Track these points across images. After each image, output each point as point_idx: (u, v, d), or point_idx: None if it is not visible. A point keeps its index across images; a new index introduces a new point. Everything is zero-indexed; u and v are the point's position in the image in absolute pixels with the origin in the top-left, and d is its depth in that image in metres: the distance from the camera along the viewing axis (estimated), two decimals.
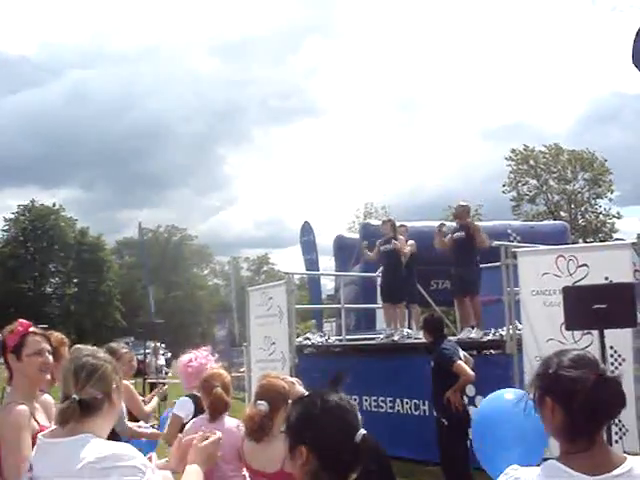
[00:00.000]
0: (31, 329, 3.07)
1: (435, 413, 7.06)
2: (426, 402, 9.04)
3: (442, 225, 10.15)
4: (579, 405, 1.73)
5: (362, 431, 1.76)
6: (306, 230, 18.84)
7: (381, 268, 10.92)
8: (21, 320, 3.15)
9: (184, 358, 5.07)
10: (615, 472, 1.72)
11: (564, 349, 1.90)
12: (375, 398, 9.96)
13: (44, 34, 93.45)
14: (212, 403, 3.94)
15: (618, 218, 42.17)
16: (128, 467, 2.03)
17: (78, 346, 2.44)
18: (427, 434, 8.69)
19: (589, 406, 1.72)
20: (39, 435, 2.26)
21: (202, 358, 4.99)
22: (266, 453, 3.46)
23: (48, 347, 3.04)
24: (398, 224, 10.98)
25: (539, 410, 1.84)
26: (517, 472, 1.84)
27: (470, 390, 8.59)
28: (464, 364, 6.71)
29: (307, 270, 18.34)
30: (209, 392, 3.97)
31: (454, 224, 10.10)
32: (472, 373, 6.70)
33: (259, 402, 3.51)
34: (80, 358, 2.28)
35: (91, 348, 2.40)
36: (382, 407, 9.83)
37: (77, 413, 2.14)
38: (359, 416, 1.82)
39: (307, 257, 18.28)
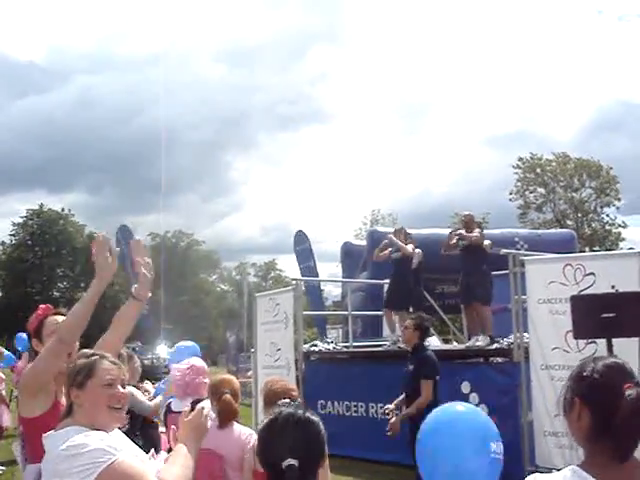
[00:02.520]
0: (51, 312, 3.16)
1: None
2: (432, 409, 9.01)
3: (453, 232, 10.15)
4: (609, 413, 1.72)
5: None
6: (300, 239, 18.93)
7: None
8: (42, 305, 3.25)
9: (180, 366, 4.90)
10: None
11: (601, 356, 1.90)
12: (382, 405, 9.94)
13: (52, 40, 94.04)
14: (221, 410, 3.92)
15: (624, 227, 42.11)
16: (97, 449, 2.16)
17: (83, 351, 2.55)
18: None
19: (620, 417, 1.70)
20: (44, 434, 2.39)
21: (193, 374, 4.79)
22: None
23: None
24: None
25: (567, 414, 1.83)
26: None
27: (474, 399, 8.57)
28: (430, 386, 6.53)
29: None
30: (218, 398, 3.95)
31: (462, 231, 10.11)
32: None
33: (284, 401, 3.48)
34: (73, 362, 2.46)
35: (88, 351, 2.52)
36: (388, 414, 9.80)
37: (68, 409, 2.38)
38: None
39: (303, 265, 18.32)
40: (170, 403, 4.89)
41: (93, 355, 2.46)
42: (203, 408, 2.57)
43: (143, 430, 5.20)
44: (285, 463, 1.85)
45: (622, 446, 1.73)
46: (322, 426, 2.03)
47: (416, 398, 6.54)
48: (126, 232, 24.08)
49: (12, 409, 13.16)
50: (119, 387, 2.42)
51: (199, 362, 4.90)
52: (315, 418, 2.02)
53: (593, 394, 1.76)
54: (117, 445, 2.23)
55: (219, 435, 3.88)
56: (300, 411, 2.01)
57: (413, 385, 6.66)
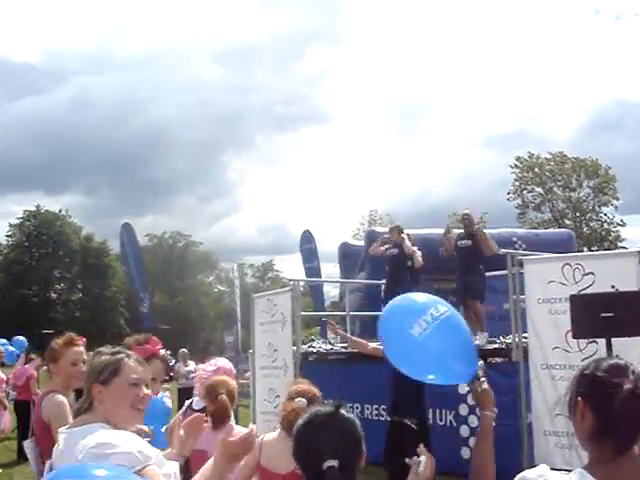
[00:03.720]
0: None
1: (392, 416, 6.83)
2: (430, 410, 9.01)
3: (448, 230, 10.14)
4: (609, 409, 1.72)
5: None
6: (307, 239, 18.88)
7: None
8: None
9: (207, 367, 4.80)
10: None
11: (605, 357, 1.89)
12: (377, 407, 9.93)
13: (48, 41, 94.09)
14: (215, 410, 3.90)
15: (622, 226, 42.13)
16: (124, 453, 2.07)
17: (104, 348, 2.51)
18: (432, 442, 8.67)
19: (619, 412, 1.70)
20: (61, 429, 2.38)
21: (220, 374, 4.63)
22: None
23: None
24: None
25: (572, 414, 1.82)
26: (547, 475, 1.82)
27: (472, 399, 8.55)
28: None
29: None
30: (214, 399, 3.93)
31: (461, 230, 10.10)
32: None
33: (299, 399, 3.49)
34: (91, 359, 2.48)
35: (110, 349, 2.49)
36: (383, 415, 9.78)
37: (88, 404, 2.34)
38: None
39: (308, 265, 18.28)
40: (192, 402, 4.87)
41: (119, 352, 2.42)
42: (252, 430, 2.50)
43: None
44: (326, 464, 1.78)
45: (623, 442, 1.72)
46: (358, 423, 1.96)
47: (408, 395, 6.51)
48: (130, 230, 24.00)
49: (10, 410, 13.12)
50: (143, 387, 2.38)
51: (227, 364, 4.83)
52: (351, 416, 1.96)
53: (594, 393, 1.76)
54: (145, 451, 2.15)
55: (213, 436, 3.84)
56: (336, 409, 1.94)
57: (400, 381, 6.65)
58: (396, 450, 6.47)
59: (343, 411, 1.94)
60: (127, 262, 17.22)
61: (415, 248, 10.50)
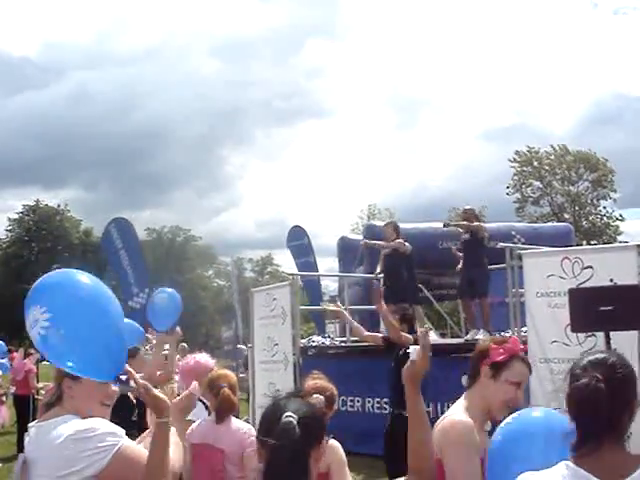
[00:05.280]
0: None
1: (392, 408, 6.91)
2: (430, 403, 9.03)
3: (447, 224, 10.13)
4: (572, 404, 1.78)
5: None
6: (297, 234, 18.85)
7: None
8: None
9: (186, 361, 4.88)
10: (633, 476, 1.68)
11: (594, 350, 1.94)
12: (379, 400, 9.95)
13: (46, 35, 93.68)
14: (219, 404, 3.88)
15: (621, 220, 42.13)
16: (105, 433, 2.19)
17: None
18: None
19: (580, 405, 1.75)
20: (30, 424, 2.42)
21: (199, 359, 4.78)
22: None
23: None
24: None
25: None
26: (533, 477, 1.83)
27: None
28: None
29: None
30: (216, 393, 3.91)
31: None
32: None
33: (316, 395, 3.19)
34: None
35: None
36: (385, 408, 9.80)
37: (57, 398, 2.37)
38: None
39: (300, 261, 18.24)
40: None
41: None
42: (190, 393, 2.73)
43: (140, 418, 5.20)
44: (283, 418, 1.70)
45: (584, 435, 1.75)
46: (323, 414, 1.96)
47: (403, 395, 6.51)
48: (124, 225, 23.90)
49: (9, 405, 13.15)
50: (111, 384, 2.41)
51: (207, 359, 4.81)
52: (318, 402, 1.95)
53: (570, 388, 1.81)
54: (118, 430, 2.26)
55: (217, 429, 3.85)
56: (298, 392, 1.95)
57: (397, 373, 6.64)
58: (394, 444, 6.47)
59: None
60: (116, 258, 17.16)
61: (401, 240, 10.49)
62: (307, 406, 1.85)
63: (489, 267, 9.53)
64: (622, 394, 1.76)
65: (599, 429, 1.73)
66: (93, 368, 2.29)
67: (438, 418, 2.76)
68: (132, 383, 2.37)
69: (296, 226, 19.45)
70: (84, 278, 2.45)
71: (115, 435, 2.21)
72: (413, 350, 2.35)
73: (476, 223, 9.62)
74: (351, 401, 10.28)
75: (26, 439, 2.37)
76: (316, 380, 3.74)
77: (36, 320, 2.24)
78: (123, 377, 2.80)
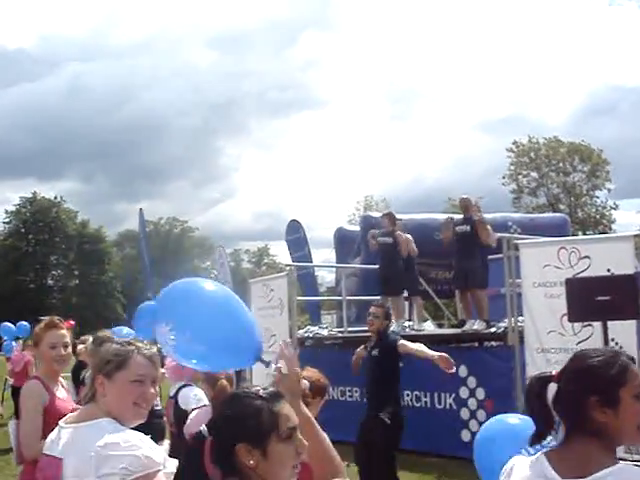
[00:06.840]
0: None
1: (369, 409, 6.77)
2: (427, 394, 9.06)
3: (450, 220, 10.06)
4: (531, 402, 1.82)
5: None
6: (293, 228, 18.79)
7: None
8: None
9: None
10: (595, 476, 1.63)
11: (590, 349, 1.87)
12: None
13: (42, 27, 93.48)
14: (216, 396, 3.91)
15: (615, 209, 42.24)
16: (127, 456, 2.02)
17: (108, 336, 2.44)
18: (428, 426, 8.72)
19: (537, 403, 1.79)
20: (62, 422, 2.30)
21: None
22: None
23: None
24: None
25: None
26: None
27: (471, 382, 8.60)
28: (408, 343, 6.48)
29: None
30: (213, 384, 3.95)
31: (460, 216, 10.03)
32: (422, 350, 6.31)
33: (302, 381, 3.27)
34: (97, 347, 2.37)
35: (115, 338, 2.42)
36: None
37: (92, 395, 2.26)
38: None
39: (296, 255, 18.19)
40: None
41: (129, 344, 2.27)
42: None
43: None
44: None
45: (541, 429, 1.80)
46: (264, 405, 1.68)
47: (381, 387, 6.56)
48: (142, 216, 24.24)
49: (6, 397, 13.16)
50: (149, 385, 2.24)
51: None
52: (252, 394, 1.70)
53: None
54: (153, 455, 2.08)
55: None
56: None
57: (375, 372, 6.67)
58: (366, 446, 6.52)
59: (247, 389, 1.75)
60: (141, 246, 17.07)
61: (408, 236, 10.47)
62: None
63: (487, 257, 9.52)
64: (574, 389, 1.72)
65: (547, 425, 1.78)
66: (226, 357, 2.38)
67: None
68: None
69: (293, 220, 19.40)
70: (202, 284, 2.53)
71: (138, 460, 2.02)
72: (282, 364, 2.27)
73: (494, 235, 9.45)
74: (349, 391, 10.29)
75: (54, 433, 2.28)
76: (308, 371, 3.78)
77: (163, 336, 2.26)
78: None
